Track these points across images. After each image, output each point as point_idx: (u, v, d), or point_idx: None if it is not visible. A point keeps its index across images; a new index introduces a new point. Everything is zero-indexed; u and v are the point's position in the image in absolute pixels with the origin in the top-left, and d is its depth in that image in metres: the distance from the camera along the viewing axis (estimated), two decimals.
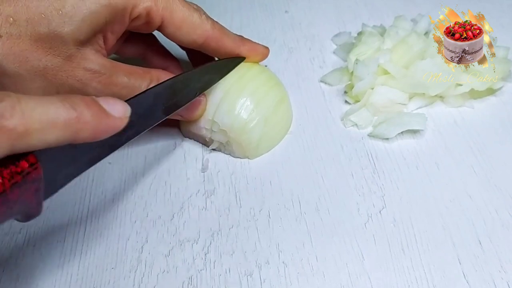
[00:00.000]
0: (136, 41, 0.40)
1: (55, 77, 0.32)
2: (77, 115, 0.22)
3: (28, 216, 0.24)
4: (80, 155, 0.27)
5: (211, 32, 0.36)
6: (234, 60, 0.39)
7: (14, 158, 0.21)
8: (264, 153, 0.38)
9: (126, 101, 0.26)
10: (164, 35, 0.36)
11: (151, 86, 0.34)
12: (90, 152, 0.27)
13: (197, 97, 0.36)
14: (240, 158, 0.38)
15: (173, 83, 0.34)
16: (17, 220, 0.24)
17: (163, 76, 0.36)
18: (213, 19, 0.38)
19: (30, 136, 0.21)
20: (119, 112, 0.25)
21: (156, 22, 0.35)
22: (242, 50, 0.39)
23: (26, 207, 0.23)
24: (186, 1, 0.36)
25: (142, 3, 0.33)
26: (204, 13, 0.37)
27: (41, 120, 0.21)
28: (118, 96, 0.32)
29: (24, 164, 0.22)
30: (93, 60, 0.33)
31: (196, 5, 0.37)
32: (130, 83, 0.34)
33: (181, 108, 0.35)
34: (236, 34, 0.39)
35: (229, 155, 0.38)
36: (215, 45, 0.37)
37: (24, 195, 0.22)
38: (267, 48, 0.40)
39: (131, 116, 0.26)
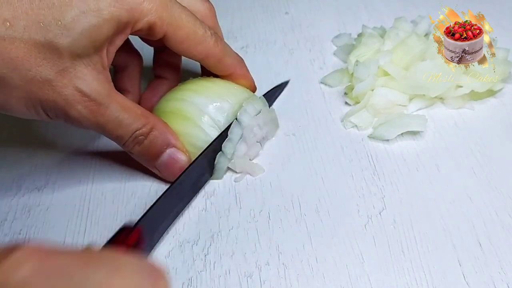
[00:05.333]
0: None
1: (41, 90, 0.30)
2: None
3: None
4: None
5: (212, 50, 0.36)
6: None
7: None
8: None
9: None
10: (165, 44, 0.35)
11: (143, 130, 0.33)
12: None
13: (175, 154, 0.35)
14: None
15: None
16: None
17: (160, 125, 0.34)
18: (218, 35, 0.37)
19: None
20: None
21: (157, 35, 0.34)
22: (238, 71, 0.38)
23: None
24: (192, 14, 0.35)
25: (146, 17, 0.32)
26: (210, 28, 0.36)
27: None
28: (102, 127, 0.32)
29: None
30: (88, 81, 0.31)
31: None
32: (119, 119, 0.32)
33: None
34: (237, 55, 0.39)
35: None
36: (214, 62, 0.37)
37: None
38: (255, 86, 0.40)
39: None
